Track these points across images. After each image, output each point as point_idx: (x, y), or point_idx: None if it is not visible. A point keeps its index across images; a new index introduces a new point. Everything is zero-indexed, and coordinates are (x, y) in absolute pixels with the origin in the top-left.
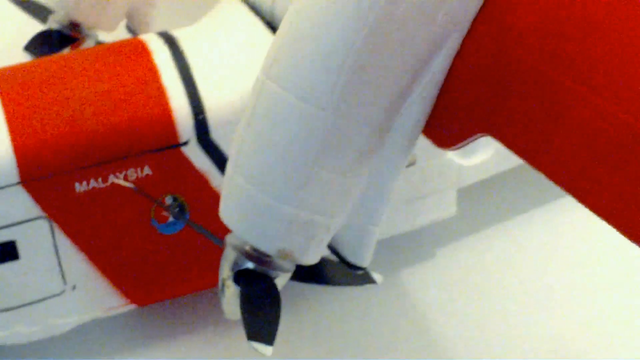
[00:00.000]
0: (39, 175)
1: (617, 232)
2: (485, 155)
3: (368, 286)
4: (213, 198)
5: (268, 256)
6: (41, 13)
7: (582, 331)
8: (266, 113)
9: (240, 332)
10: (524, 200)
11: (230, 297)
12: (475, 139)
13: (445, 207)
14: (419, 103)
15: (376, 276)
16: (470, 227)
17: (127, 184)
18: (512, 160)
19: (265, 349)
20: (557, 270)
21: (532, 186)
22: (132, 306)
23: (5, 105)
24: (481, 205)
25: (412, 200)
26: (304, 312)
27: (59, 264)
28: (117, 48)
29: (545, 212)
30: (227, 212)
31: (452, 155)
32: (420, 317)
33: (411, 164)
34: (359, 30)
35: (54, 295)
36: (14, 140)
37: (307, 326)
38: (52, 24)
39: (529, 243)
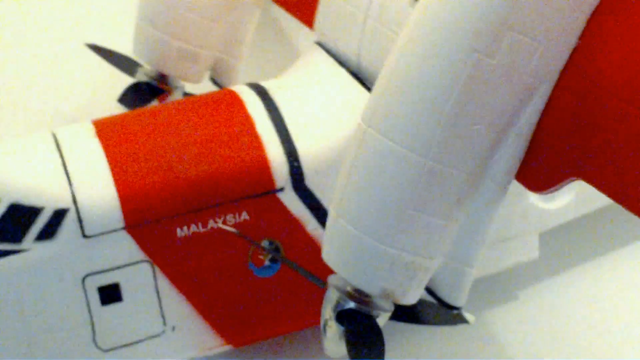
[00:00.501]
0: (143, 221)
1: None
2: (567, 199)
3: (455, 328)
4: (307, 242)
5: (369, 296)
6: (130, 66)
7: None
8: (368, 159)
9: None
10: (604, 243)
11: (333, 336)
12: (567, 183)
13: (528, 250)
14: (512, 149)
15: (468, 316)
16: (552, 269)
17: (230, 229)
18: (592, 204)
19: None
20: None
21: (612, 229)
22: (228, 347)
23: (108, 154)
24: (562, 248)
25: (496, 243)
26: (397, 349)
27: (160, 306)
28: (211, 99)
29: (627, 254)
30: (330, 254)
31: (534, 200)
32: (504, 356)
33: None
34: (457, 79)
35: (154, 336)
36: (118, 187)
37: None
38: (141, 76)
39: (610, 284)
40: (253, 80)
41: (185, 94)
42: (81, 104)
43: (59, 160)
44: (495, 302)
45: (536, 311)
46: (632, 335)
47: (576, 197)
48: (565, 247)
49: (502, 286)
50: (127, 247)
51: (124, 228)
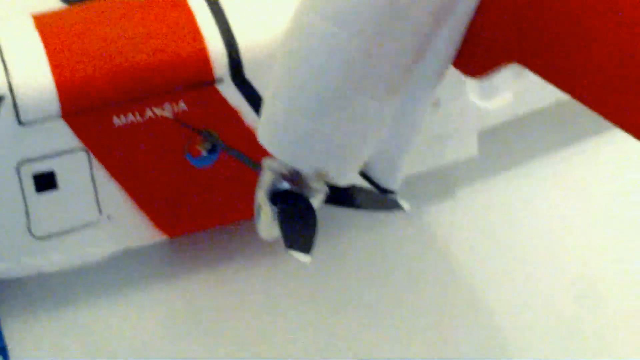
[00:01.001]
0: (80, 109)
1: None
2: (505, 98)
3: (391, 221)
4: (246, 134)
5: (304, 177)
6: None
7: (606, 272)
8: (304, 40)
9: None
10: (544, 142)
11: (267, 217)
12: (504, 67)
13: (467, 148)
14: (450, 31)
15: (404, 203)
16: (491, 168)
17: (167, 114)
18: (531, 104)
19: (304, 257)
20: (578, 209)
21: (552, 129)
22: (164, 237)
23: (46, 44)
24: (501, 147)
25: (434, 139)
26: (331, 239)
27: (96, 194)
28: None
29: (565, 155)
30: (266, 136)
31: (473, 97)
32: (441, 254)
33: (434, 104)
34: None
35: (90, 225)
36: (55, 75)
37: (334, 252)
38: None
39: (550, 184)
40: None
41: None
42: (25, 2)
43: None
44: (433, 199)
45: (473, 210)
46: (570, 239)
47: (515, 97)
48: (504, 147)
49: (441, 184)
50: (63, 135)
51: (60, 116)
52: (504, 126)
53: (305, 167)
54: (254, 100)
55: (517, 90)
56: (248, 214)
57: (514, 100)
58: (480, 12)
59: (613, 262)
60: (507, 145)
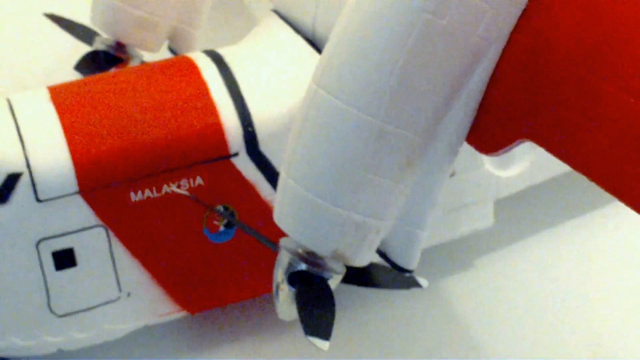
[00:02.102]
0: (97, 185)
1: None
2: (522, 167)
3: (411, 293)
4: (262, 208)
5: (321, 258)
6: (87, 35)
7: (622, 340)
8: (318, 120)
9: (292, 336)
10: (559, 211)
11: (285, 298)
12: (516, 145)
13: (483, 218)
14: (463, 110)
15: (421, 280)
16: (508, 237)
17: (182, 192)
18: (547, 172)
19: (322, 344)
20: (595, 278)
21: (567, 197)
22: (184, 313)
23: (62, 119)
24: (518, 216)
25: (451, 211)
26: (351, 314)
27: (115, 271)
28: (166, 65)
29: (582, 222)
30: (281, 216)
31: (489, 167)
32: (460, 325)
33: (451, 175)
34: (405, 40)
35: (109, 302)
36: (72, 151)
37: (353, 328)
38: (98, 45)
39: (565, 253)
40: (212, 48)
41: (143, 63)
42: (39, 73)
43: (13, 125)
44: (451, 270)
45: (491, 279)
46: (586, 303)
47: (531, 165)
48: (520, 215)
49: (458, 254)
50: (81, 212)
51: (77, 192)
52: (520, 194)
53: (321, 249)
54: (270, 173)
55: (534, 159)
56: (268, 288)
57: (530, 169)
58: (491, 90)
59: (630, 328)
60: (523, 212)
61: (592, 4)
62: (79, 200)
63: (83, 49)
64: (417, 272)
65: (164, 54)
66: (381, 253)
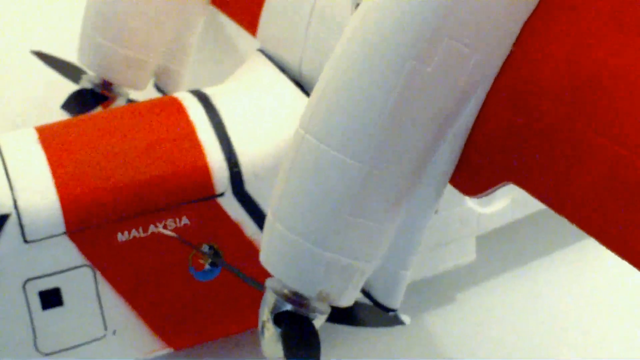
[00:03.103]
0: (84, 226)
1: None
2: (503, 203)
3: (393, 330)
4: (247, 247)
5: (306, 299)
6: (74, 73)
7: None
8: (305, 164)
9: None
10: (540, 245)
11: (271, 338)
12: (500, 187)
13: (466, 253)
14: (448, 153)
15: (404, 318)
16: (490, 272)
17: (168, 233)
18: (529, 207)
19: None
20: (575, 311)
21: (548, 232)
22: (170, 350)
23: (50, 160)
24: (499, 251)
25: (434, 247)
26: (335, 352)
27: (101, 310)
28: (153, 105)
29: (561, 256)
30: (267, 258)
31: (471, 204)
32: (443, 358)
33: (434, 212)
34: (392, 87)
35: (95, 340)
36: (60, 192)
37: None
38: (85, 83)
39: (547, 286)
40: (198, 87)
41: (129, 101)
42: (26, 111)
43: (1, 166)
44: (434, 304)
45: (474, 313)
46: (568, 337)
47: (513, 201)
48: (503, 250)
49: (441, 289)
50: (68, 252)
51: (65, 233)
52: (501, 229)
53: (307, 290)
54: (255, 212)
55: (515, 196)
56: (252, 324)
57: (511, 205)
58: (476, 133)
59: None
60: (504, 248)
61: (577, 50)
62: (66, 241)
63: (70, 87)
64: (400, 307)
65: (150, 92)
66: (365, 292)
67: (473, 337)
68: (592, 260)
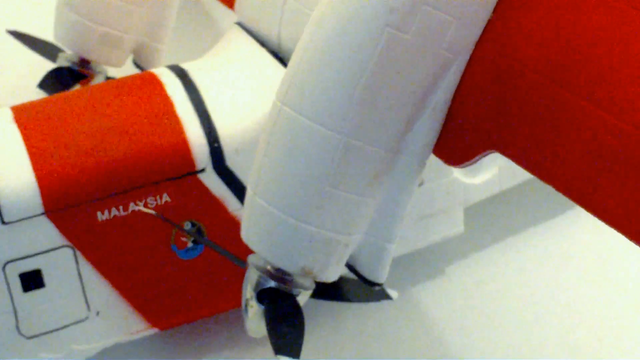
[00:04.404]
0: (63, 206)
1: (623, 237)
2: (490, 174)
3: (383, 304)
4: (230, 223)
5: (289, 275)
6: (51, 52)
7: (597, 341)
8: (283, 137)
9: (261, 352)
10: (528, 215)
11: (254, 315)
12: (484, 155)
13: (453, 225)
14: (429, 123)
15: (392, 292)
16: (478, 243)
17: (148, 210)
18: (515, 177)
19: None
20: (566, 280)
21: (536, 202)
22: (154, 330)
23: (26, 140)
24: (488, 222)
25: (421, 219)
26: (323, 328)
27: (83, 291)
28: (131, 82)
29: (551, 226)
30: (249, 234)
31: (458, 175)
32: (433, 332)
33: (420, 184)
34: (370, 55)
35: (79, 321)
36: (37, 172)
37: (326, 343)
38: (62, 61)
39: (535, 257)
40: (177, 62)
41: (108, 78)
42: (2, 91)
43: None
44: (423, 277)
45: (463, 285)
46: (558, 306)
47: (499, 172)
48: (490, 221)
49: (429, 261)
50: (47, 233)
51: (43, 213)
52: (489, 200)
53: (290, 266)
54: (237, 188)
55: (501, 165)
56: (237, 303)
57: (498, 176)
58: (457, 103)
59: (603, 330)
60: (493, 218)
61: (557, 15)
62: (45, 221)
63: (48, 66)
64: (388, 281)
65: (129, 69)
66: (350, 266)
67: (462, 310)
68: (582, 229)
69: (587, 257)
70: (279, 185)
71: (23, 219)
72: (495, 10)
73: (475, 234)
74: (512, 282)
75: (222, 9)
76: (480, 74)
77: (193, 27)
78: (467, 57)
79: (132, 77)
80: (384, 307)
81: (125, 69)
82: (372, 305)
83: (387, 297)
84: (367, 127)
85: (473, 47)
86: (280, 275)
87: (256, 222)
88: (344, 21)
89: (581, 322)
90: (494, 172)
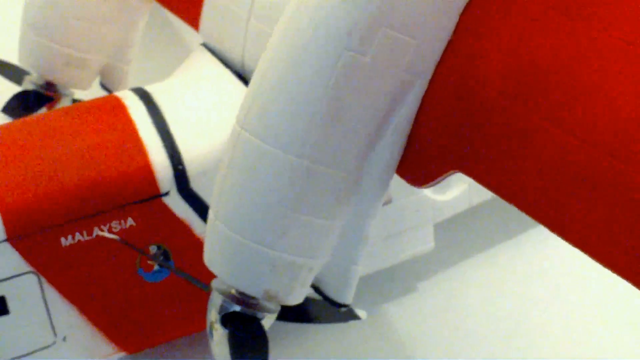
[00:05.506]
0: (25, 232)
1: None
2: (459, 190)
3: (352, 323)
4: (196, 245)
5: (254, 298)
6: (16, 75)
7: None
8: (243, 162)
9: None
10: (498, 231)
11: (219, 340)
12: (447, 176)
13: (423, 242)
14: (390, 146)
15: (360, 312)
16: (449, 260)
17: (111, 236)
18: (485, 193)
19: None
20: (537, 296)
21: (506, 217)
22: (122, 354)
23: None
24: (458, 238)
25: (391, 236)
26: (291, 351)
27: (49, 317)
28: (94, 105)
29: (521, 241)
30: (211, 258)
31: (427, 192)
32: (405, 350)
33: (387, 202)
34: (328, 79)
35: (45, 348)
36: None
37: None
38: (28, 84)
39: (506, 272)
40: (145, 84)
41: (74, 101)
42: None
43: None
44: (394, 295)
45: (435, 301)
46: (530, 321)
47: (469, 188)
48: (461, 237)
49: (400, 279)
50: (10, 259)
51: (6, 240)
52: (459, 216)
53: (253, 290)
54: (202, 210)
55: (471, 181)
56: (205, 325)
57: (468, 191)
58: (419, 124)
59: (575, 345)
60: (463, 234)
61: (518, 36)
62: (7, 248)
63: (12, 89)
64: (359, 298)
65: (96, 91)
66: (315, 288)
67: (435, 327)
68: (552, 243)
69: (558, 272)
70: (239, 210)
71: None
72: (455, 31)
73: (445, 249)
74: (485, 297)
75: (190, 28)
76: (442, 94)
77: (162, 47)
78: (428, 78)
79: (96, 101)
80: (354, 327)
81: (92, 91)
82: (342, 326)
83: (356, 317)
84: (327, 150)
85: (434, 68)
86: (244, 299)
87: (218, 246)
88: (302, 45)
89: (554, 337)
90: (464, 188)
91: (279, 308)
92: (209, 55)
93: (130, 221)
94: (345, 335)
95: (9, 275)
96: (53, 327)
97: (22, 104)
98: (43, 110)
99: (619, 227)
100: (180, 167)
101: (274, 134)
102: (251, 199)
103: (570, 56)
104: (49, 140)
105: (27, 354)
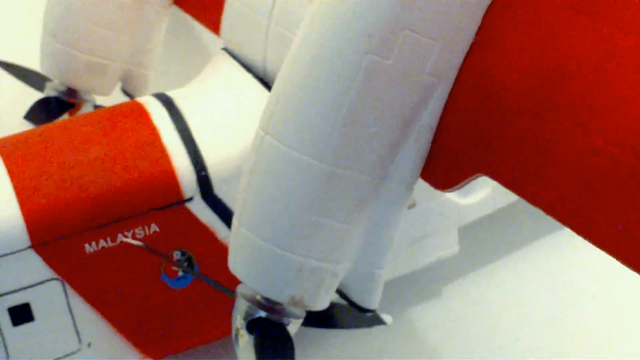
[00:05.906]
0: (50, 239)
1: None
2: (483, 193)
3: (378, 329)
4: (220, 250)
5: (279, 304)
6: (38, 81)
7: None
8: (267, 167)
9: None
10: (523, 234)
11: (245, 346)
12: (472, 179)
13: (448, 246)
14: (414, 149)
15: (385, 317)
16: (473, 263)
17: (135, 242)
18: (510, 196)
19: None
20: (563, 298)
21: (531, 220)
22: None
23: (11, 173)
24: (483, 241)
25: (415, 241)
26: (317, 357)
27: (74, 323)
28: (116, 111)
29: (546, 244)
30: (236, 264)
31: (451, 196)
32: (431, 354)
33: (411, 206)
34: (351, 82)
35: (70, 354)
36: (22, 206)
37: None
38: (50, 91)
39: (531, 275)
40: (167, 89)
41: (96, 107)
42: None
43: None
44: (419, 299)
45: (460, 306)
46: (555, 325)
47: (493, 191)
48: (486, 240)
49: (425, 283)
50: (35, 266)
51: (30, 247)
52: (483, 219)
53: (278, 296)
54: (226, 215)
55: (495, 184)
56: (229, 330)
57: (492, 195)
58: (442, 127)
59: (601, 345)
60: (487, 238)
61: (541, 37)
62: (32, 255)
63: (35, 96)
64: (383, 303)
65: (117, 96)
66: (341, 293)
67: (460, 331)
68: (578, 246)
69: (584, 276)
70: (263, 215)
71: (9, 254)
72: (478, 33)
73: (470, 253)
74: (509, 301)
75: (212, 33)
76: (465, 97)
77: (184, 51)
78: (452, 81)
79: (118, 107)
80: (379, 332)
81: (113, 97)
82: (367, 331)
83: (381, 322)
84: (351, 154)
85: (457, 71)
86: (269, 304)
87: (242, 252)
88: (325, 48)
89: (581, 341)
90: (488, 191)
91: (304, 314)
92: (230, 59)
93: (154, 227)
94: (370, 340)
95: (33, 282)
96: (78, 334)
97: (44, 111)
98: (65, 117)
99: None
100: (203, 172)
101: (298, 139)
102: (274, 204)
103: (594, 58)
104: (72, 146)
105: None
